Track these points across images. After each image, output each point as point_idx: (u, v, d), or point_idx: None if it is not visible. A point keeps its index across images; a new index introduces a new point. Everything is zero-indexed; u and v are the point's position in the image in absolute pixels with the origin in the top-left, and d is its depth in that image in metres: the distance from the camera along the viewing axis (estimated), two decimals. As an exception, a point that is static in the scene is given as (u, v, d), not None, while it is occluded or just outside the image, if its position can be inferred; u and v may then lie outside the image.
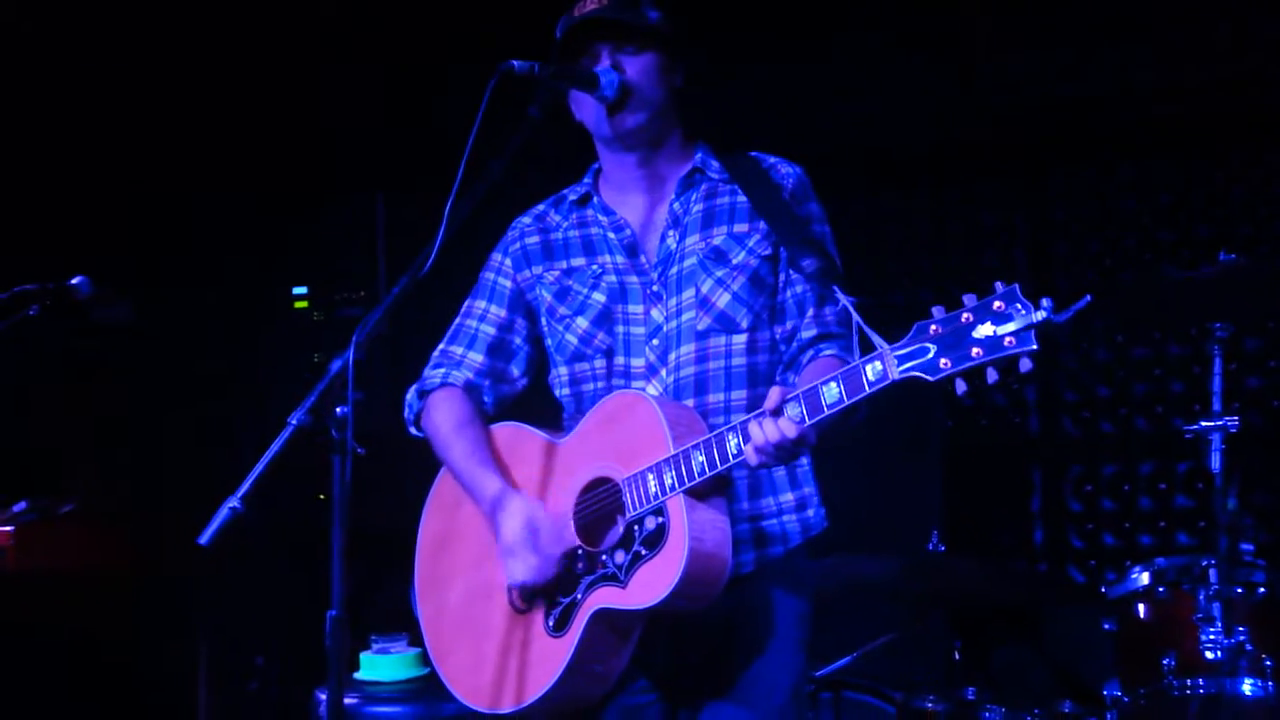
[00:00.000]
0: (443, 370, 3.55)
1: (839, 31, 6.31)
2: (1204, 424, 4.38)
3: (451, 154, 2.98)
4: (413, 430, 3.60)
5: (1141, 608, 4.53)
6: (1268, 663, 4.27)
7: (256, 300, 6.38)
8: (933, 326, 2.75)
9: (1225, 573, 4.33)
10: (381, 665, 4.68)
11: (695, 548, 3.00)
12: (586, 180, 3.54)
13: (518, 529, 3.25)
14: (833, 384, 2.88)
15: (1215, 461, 4.35)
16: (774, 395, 2.95)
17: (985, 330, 2.68)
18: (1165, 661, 4.34)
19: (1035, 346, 2.63)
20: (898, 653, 5.02)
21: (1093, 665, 5.03)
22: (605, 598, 3.11)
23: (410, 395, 3.59)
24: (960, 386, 2.73)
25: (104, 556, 5.67)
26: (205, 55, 6.11)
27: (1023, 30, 6.16)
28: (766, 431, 2.94)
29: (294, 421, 2.78)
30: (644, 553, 3.07)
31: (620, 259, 3.40)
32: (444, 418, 3.49)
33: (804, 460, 3.40)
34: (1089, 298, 2.66)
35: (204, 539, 2.69)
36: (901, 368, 2.78)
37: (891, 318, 2.89)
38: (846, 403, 2.86)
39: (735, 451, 2.99)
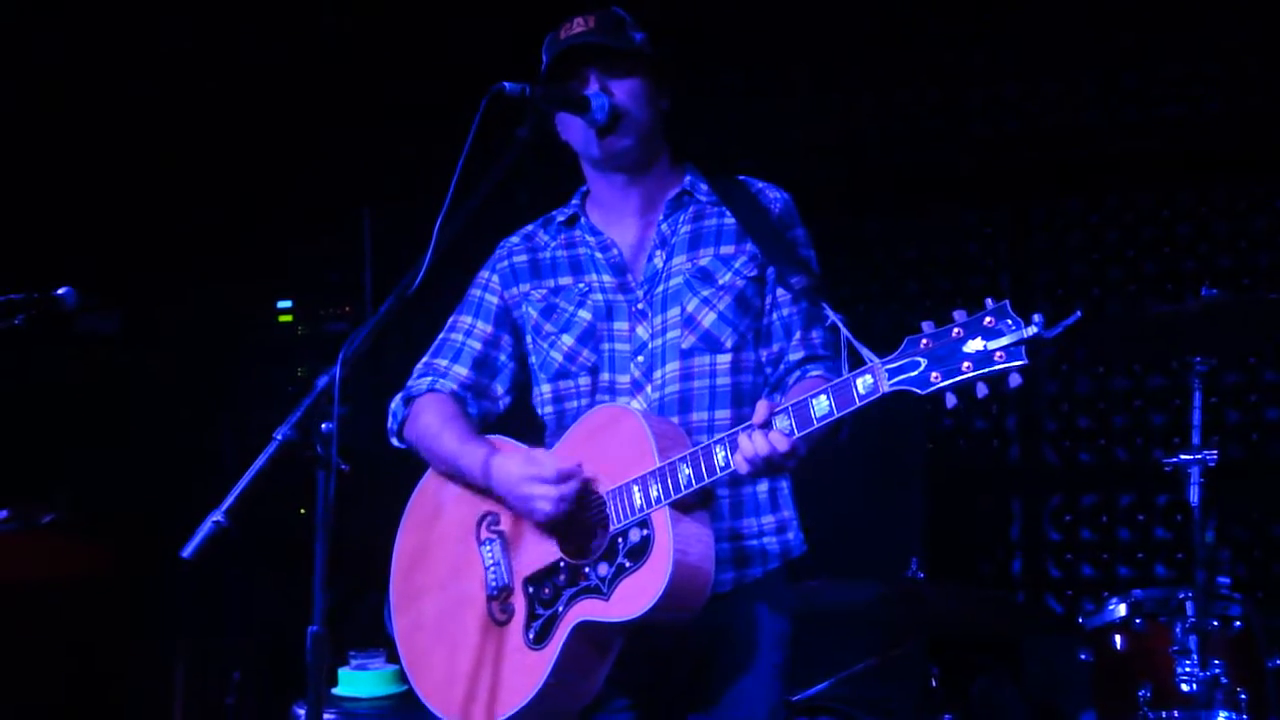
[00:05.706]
0: (429, 379, 3.55)
1: (830, 58, 6.35)
2: (1183, 457, 4.39)
3: (439, 170, 2.98)
4: (394, 440, 3.58)
5: (1118, 639, 4.54)
6: (1243, 696, 4.29)
7: (241, 313, 6.38)
8: (923, 341, 2.76)
9: (1202, 606, 4.34)
10: (360, 681, 4.68)
11: (680, 560, 3.00)
12: (574, 202, 3.55)
13: (520, 465, 3.22)
14: (823, 397, 2.88)
15: (1194, 495, 4.36)
16: (762, 408, 2.95)
17: (976, 345, 2.69)
18: (1141, 693, 4.36)
19: (1025, 361, 2.64)
20: (875, 679, 5.02)
21: (1069, 696, 5.06)
22: (587, 610, 3.11)
23: (395, 403, 3.57)
24: (950, 400, 2.74)
25: (85, 567, 5.65)
26: (196, 70, 6.13)
27: (1011, 62, 6.21)
28: (756, 444, 2.93)
29: (279, 437, 2.76)
30: (628, 565, 3.06)
31: (607, 278, 3.41)
32: (433, 416, 3.47)
33: (784, 484, 3.41)
34: (1079, 314, 2.68)
35: (187, 552, 2.68)
36: (892, 381, 2.79)
37: (876, 340, 2.89)
38: (836, 415, 2.87)
39: (723, 464, 2.98)
